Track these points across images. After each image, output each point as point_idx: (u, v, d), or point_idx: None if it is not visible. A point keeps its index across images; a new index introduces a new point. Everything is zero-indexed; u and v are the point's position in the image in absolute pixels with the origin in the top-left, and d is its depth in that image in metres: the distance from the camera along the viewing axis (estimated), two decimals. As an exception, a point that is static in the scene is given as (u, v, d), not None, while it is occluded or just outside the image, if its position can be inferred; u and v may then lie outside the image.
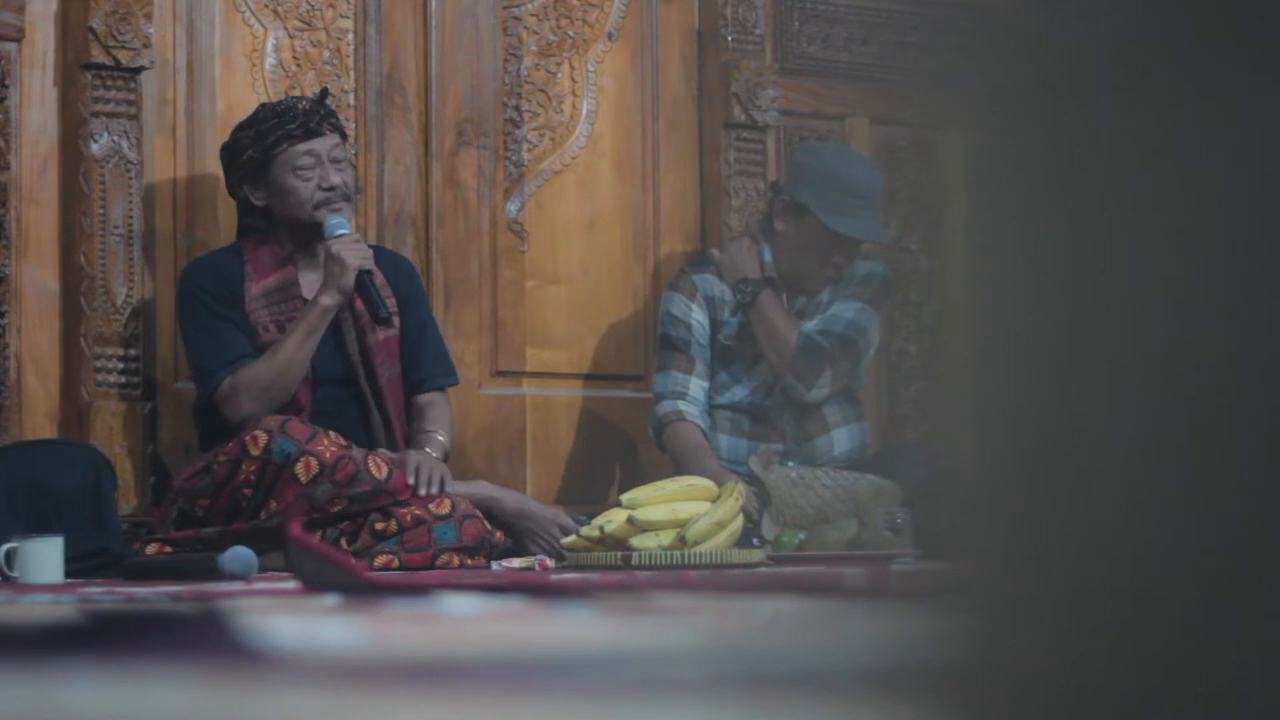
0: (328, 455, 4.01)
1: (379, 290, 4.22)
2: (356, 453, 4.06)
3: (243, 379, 4.16)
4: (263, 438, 4.01)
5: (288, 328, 4.21)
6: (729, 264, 4.87)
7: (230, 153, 4.32)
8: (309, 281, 4.30)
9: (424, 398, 4.43)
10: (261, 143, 4.25)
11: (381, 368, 4.33)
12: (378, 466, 4.06)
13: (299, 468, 4.00)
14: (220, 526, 4.04)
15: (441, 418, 4.42)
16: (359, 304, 4.28)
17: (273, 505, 4.03)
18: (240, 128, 4.33)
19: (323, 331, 4.20)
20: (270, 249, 4.29)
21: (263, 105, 4.39)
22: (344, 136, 4.34)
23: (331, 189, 4.22)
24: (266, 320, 4.23)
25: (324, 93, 4.38)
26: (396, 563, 4.02)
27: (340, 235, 4.18)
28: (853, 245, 4.78)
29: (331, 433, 4.07)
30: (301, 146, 4.23)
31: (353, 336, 4.31)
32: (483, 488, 4.38)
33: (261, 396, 4.15)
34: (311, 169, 4.23)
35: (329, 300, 4.17)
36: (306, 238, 4.28)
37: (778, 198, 4.83)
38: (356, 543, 4.05)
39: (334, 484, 4.02)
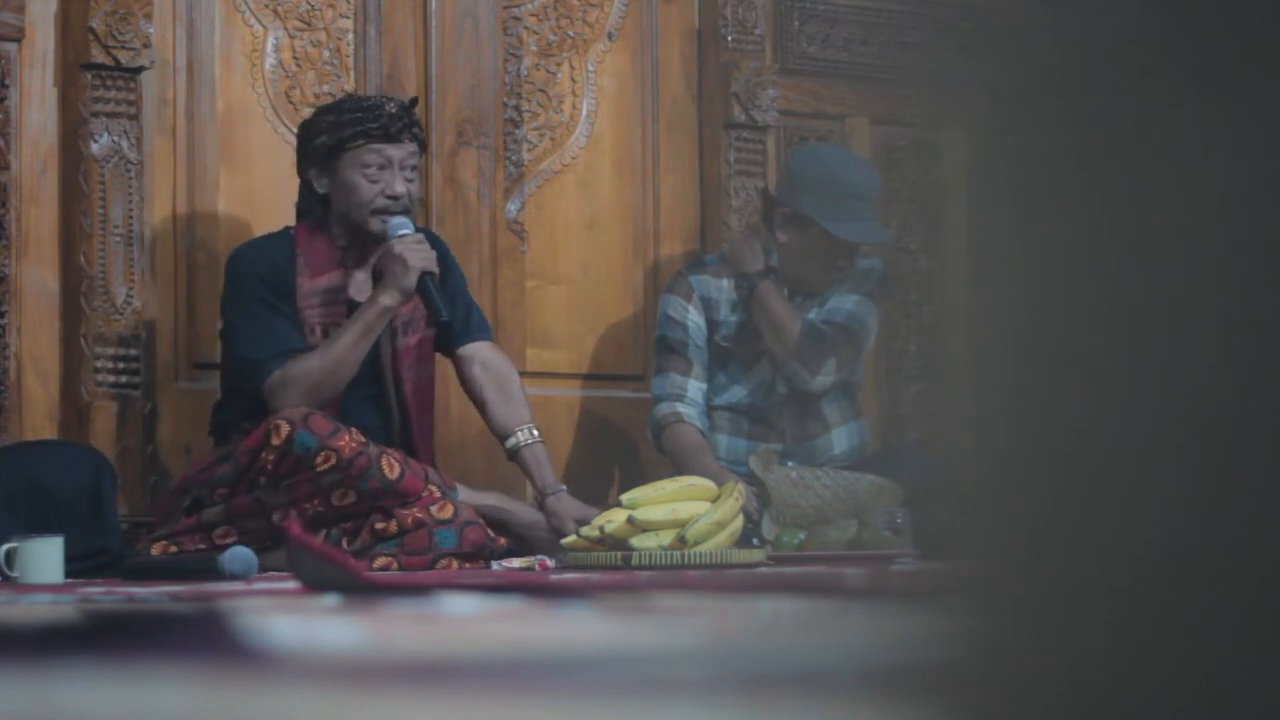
0: (346, 452, 4.00)
1: (440, 292, 4.16)
2: (372, 449, 4.04)
3: (293, 373, 4.10)
4: (285, 428, 3.99)
5: (333, 331, 4.18)
6: (732, 258, 4.87)
7: (306, 132, 4.27)
8: (357, 284, 4.26)
9: (480, 354, 4.38)
10: (338, 132, 4.19)
11: (408, 372, 4.31)
12: (390, 466, 4.05)
13: (318, 460, 3.99)
14: (228, 513, 4.03)
15: (515, 392, 4.38)
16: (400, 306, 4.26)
17: (282, 489, 4.01)
18: (322, 111, 4.29)
19: (379, 331, 4.16)
20: (323, 242, 4.23)
21: (350, 95, 4.37)
22: (422, 149, 4.29)
23: (394, 197, 4.16)
24: (314, 322, 4.20)
25: (414, 101, 4.31)
26: (396, 565, 4.01)
27: (403, 235, 4.13)
28: (856, 246, 4.79)
29: (353, 429, 4.05)
30: (376, 146, 4.16)
31: (386, 338, 4.29)
32: (494, 498, 4.37)
33: (312, 392, 4.10)
34: (379, 171, 4.17)
35: (388, 300, 4.12)
36: (358, 238, 4.22)
37: (778, 209, 4.81)
38: (356, 542, 4.04)
39: (344, 474, 4.00)
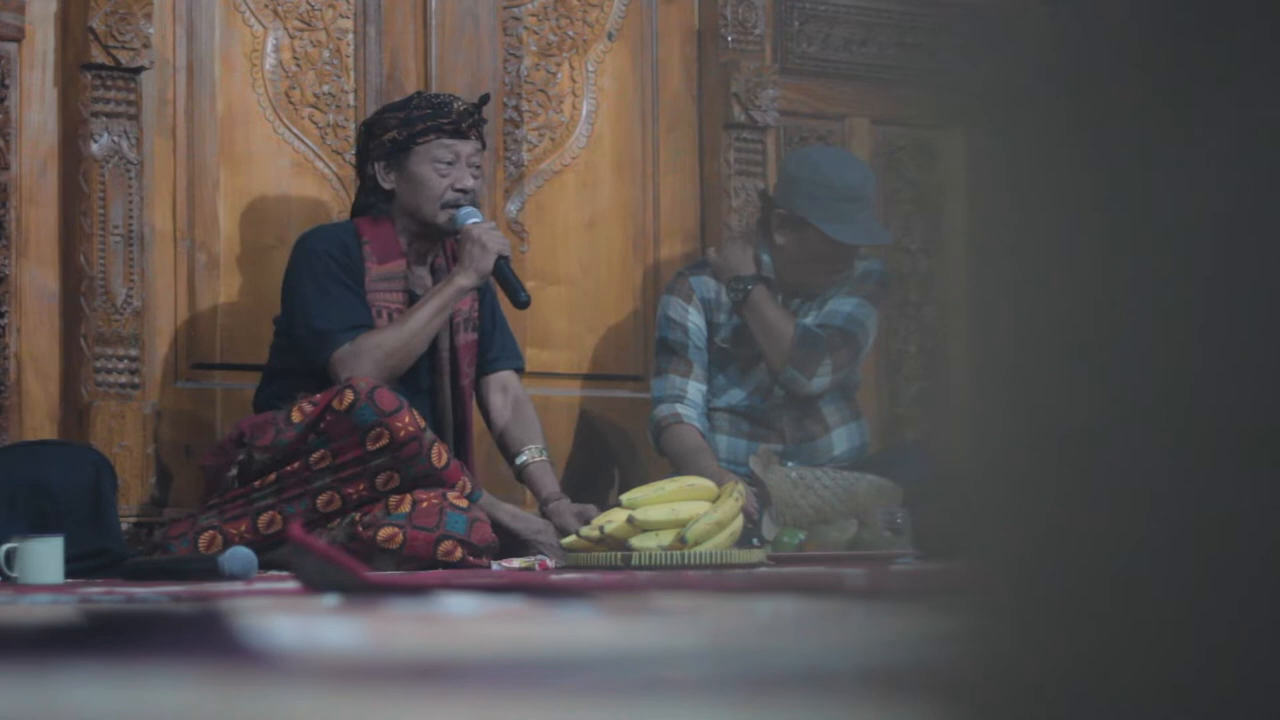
0: (401, 433, 4.02)
1: (517, 276, 4.27)
2: (428, 436, 4.07)
3: (366, 344, 4.17)
4: (349, 397, 4.02)
5: (396, 317, 4.24)
6: (723, 264, 4.86)
7: (371, 129, 4.35)
8: (417, 278, 4.34)
9: (503, 381, 4.51)
10: (409, 128, 4.29)
11: (466, 367, 4.40)
12: (439, 455, 4.08)
13: (370, 435, 4.02)
14: (277, 487, 4.05)
15: (531, 416, 4.53)
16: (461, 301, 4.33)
17: (326, 454, 4.03)
18: (390, 108, 4.38)
19: (450, 310, 4.25)
20: (387, 232, 4.32)
21: (418, 93, 4.45)
22: (484, 146, 4.39)
23: (463, 191, 4.27)
24: (379, 304, 4.27)
25: (484, 99, 4.42)
26: (401, 537, 4.00)
27: (474, 222, 4.24)
28: (855, 248, 4.78)
29: (414, 410, 4.08)
30: (447, 142, 4.28)
31: (446, 334, 4.34)
32: (509, 510, 4.42)
33: (383, 363, 4.17)
34: (449, 166, 4.27)
35: (466, 281, 4.22)
36: (423, 231, 4.31)
37: (774, 211, 4.81)
38: (367, 517, 4.05)
39: (393, 456, 4.03)
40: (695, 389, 4.84)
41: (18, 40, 4.43)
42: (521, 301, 4.27)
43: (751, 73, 5.27)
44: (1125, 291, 0.74)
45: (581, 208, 5.14)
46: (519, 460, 4.47)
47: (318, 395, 4.08)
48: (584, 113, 5.15)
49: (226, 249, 4.62)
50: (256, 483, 4.09)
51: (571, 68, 5.15)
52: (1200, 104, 0.72)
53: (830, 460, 4.81)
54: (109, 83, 4.43)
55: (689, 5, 5.32)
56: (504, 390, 4.52)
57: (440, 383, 4.38)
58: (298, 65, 4.79)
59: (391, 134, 4.30)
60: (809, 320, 4.83)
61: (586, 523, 4.15)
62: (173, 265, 4.57)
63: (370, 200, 4.34)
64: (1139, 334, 0.73)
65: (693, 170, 5.29)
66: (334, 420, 4.03)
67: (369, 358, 4.16)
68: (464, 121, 4.30)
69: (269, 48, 4.76)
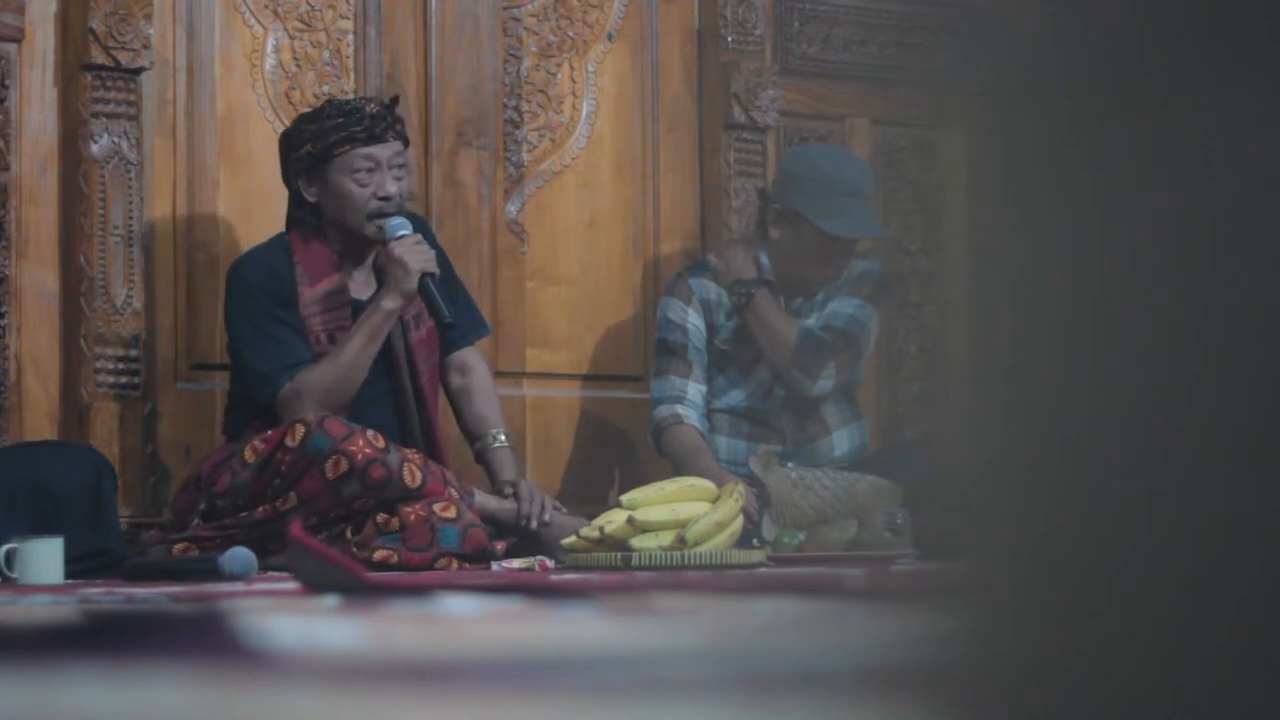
0: (359, 457, 3.98)
1: (443, 293, 4.19)
2: (393, 458, 4.02)
3: (304, 383, 4.13)
4: (300, 430, 4.00)
5: (338, 336, 4.19)
6: (724, 268, 4.86)
7: (289, 143, 4.26)
8: (357, 284, 4.28)
9: (462, 361, 4.46)
10: (323, 140, 4.18)
11: (424, 365, 4.34)
12: (412, 475, 4.03)
13: (328, 464, 3.99)
14: (244, 511, 4.04)
15: (490, 398, 4.47)
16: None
17: (292, 497, 4.02)
18: (303, 120, 4.27)
19: (385, 334, 4.18)
20: (319, 248, 4.24)
21: (330, 101, 4.34)
22: (406, 144, 4.29)
23: (386, 198, 4.17)
24: (319, 329, 4.21)
25: (395, 100, 4.32)
26: (396, 558, 3.99)
27: (401, 236, 4.15)
28: (851, 244, 4.78)
29: (370, 432, 4.04)
30: (363, 150, 4.17)
31: (398, 334, 4.30)
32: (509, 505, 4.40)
33: (324, 400, 4.12)
34: (369, 174, 4.17)
35: (391, 304, 4.15)
36: (355, 242, 4.24)
37: (770, 206, 4.81)
38: (359, 535, 4.04)
39: (363, 485, 4.00)
40: (695, 390, 4.84)
41: (18, 40, 4.43)
42: (445, 323, 4.19)
43: (751, 73, 5.27)
44: (1125, 291, 0.74)
45: (581, 208, 5.14)
46: (476, 446, 4.44)
47: (269, 432, 4.06)
48: (584, 113, 5.15)
49: (226, 249, 4.62)
50: (228, 520, 4.07)
51: (571, 68, 5.15)
52: (1200, 104, 0.72)
53: (830, 461, 4.81)
54: (109, 83, 4.43)
55: (689, 5, 5.32)
56: (463, 371, 4.46)
57: (400, 383, 4.32)
58: (298, 66, 4.79)
59: (307, 147, 4.20)
60: (810, 322, 4.83)
61: (506, 497, 4.23)
62: (173, 265, 4.57)
63: (299, 214, 4.27)
64: (1139, 334, 0.73)
65: (693, 170, 5.29)
66: (292, 459, 4.00)
67: (309, 397, 4.12)
68: (378, 126, 4.18)
69: (269, 48, 4.76)
